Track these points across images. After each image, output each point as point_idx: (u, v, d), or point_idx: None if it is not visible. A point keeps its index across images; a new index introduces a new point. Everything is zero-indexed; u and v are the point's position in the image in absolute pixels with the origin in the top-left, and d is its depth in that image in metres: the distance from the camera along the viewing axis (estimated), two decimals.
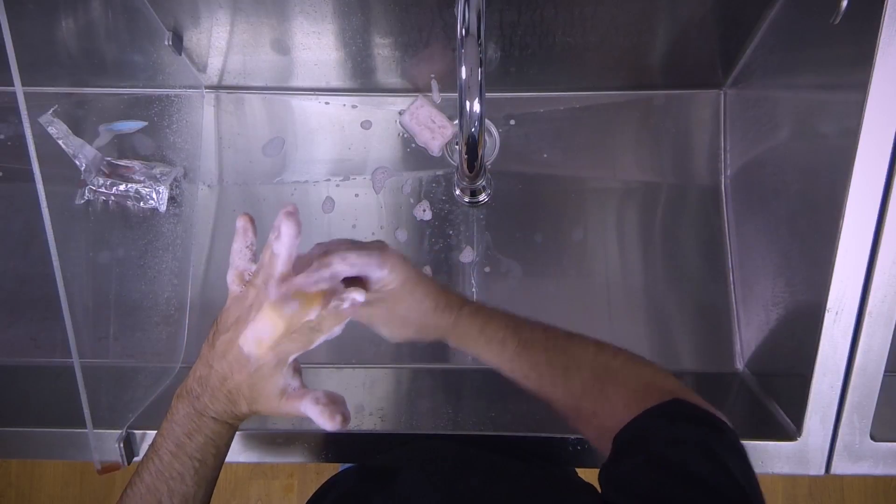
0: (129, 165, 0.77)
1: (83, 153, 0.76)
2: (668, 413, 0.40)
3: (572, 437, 0.59)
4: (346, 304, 0.42)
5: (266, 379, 0.42)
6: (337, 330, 0.43)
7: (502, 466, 0.50)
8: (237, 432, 0.60)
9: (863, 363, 0.54)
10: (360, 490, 0.48)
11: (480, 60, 0.49)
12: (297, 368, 0.45)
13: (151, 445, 0.44)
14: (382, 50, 0.72)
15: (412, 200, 0.79)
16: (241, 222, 0.45)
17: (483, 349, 0.46)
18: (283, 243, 0.41)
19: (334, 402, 0.43)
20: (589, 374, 0.43)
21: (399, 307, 0.45)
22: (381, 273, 0.43)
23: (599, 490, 0.39)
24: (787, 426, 0.59)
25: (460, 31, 0.49)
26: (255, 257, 0.45)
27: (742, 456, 0.38)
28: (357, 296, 0.42)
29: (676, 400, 0.40)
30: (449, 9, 0.64)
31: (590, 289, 0.77)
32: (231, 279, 0.45)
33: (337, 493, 0.49)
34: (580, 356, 0.44)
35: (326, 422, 0.42)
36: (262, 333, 0.41)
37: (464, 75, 0.49)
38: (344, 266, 0.41)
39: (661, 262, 0.77)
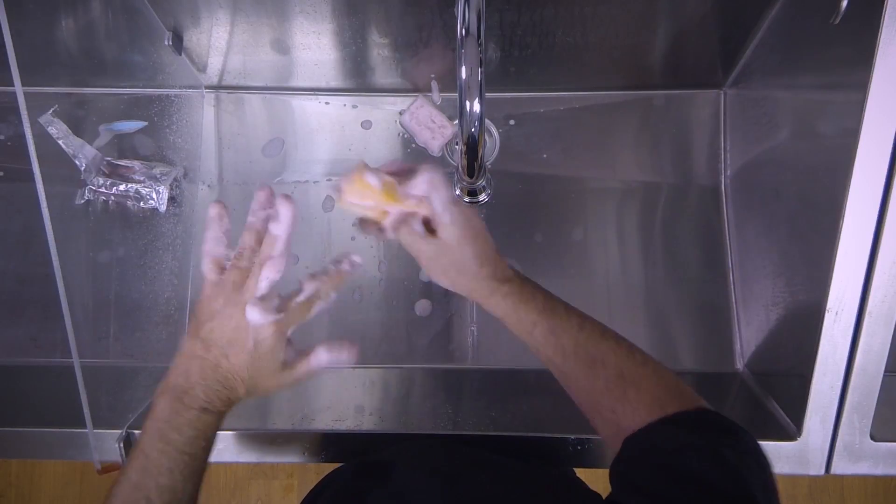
0: (129, 165, 0.77)
1: (83, 153, 0.76)
2: (686, 420, 0.40)
3: (572, 437, 0.59)
4: (344, 265, 0.46)
5: (267, 354, 0.44)
6: (333, 295, 0.46)
7: (502, 465, 0.50)
8: (236, 432, 0.60)
9: (863, 363, 0.54)
10: (356, 486, 0.48)
11: (480, 60, 0.49)
12: (291, 341, 0.47)
13: (136, 445, 0.43)
14: (382, 50, 0.72)
15: None
16: (214, 210, 0.47)
17: (513, 327, 0.47)
18: (283, 225, 0.44)
19: (340, 342, 0.46)
20: (614, 374, 0.43)
21: (446, 256, 0.46)
22: (443, 220, 0.45)
23: (610, 489, 0.39)
24: (787, 426, 0.59)
25: (460, 31, 0.49)
26: (230, 243, 0.47)
27: (759, 461, 0.37)
28: (356, 258, 0.47)
29: (698, 409, 0.41)
30: (449, 9, 0.64)
31: (590, 289, 0.77)
32: (209, 268, 0.46)
33: (333, 490, 0.49)
34: (608, 354, 0.44)
35: (343, 354, 0.46)
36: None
37: (464, 75, 0.49)
38: (427, 189, 0.44)
39: (661, 262, 0.77)
